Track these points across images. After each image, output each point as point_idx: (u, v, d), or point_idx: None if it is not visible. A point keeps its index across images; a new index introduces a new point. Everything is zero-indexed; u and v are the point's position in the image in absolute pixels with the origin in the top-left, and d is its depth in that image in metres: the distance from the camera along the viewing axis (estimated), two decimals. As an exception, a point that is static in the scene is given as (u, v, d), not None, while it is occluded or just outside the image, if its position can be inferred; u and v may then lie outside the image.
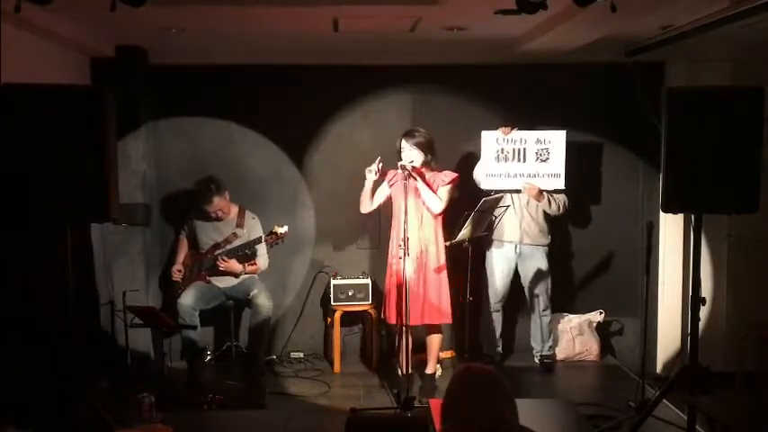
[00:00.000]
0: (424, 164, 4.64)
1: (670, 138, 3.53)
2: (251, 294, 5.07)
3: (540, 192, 5.04)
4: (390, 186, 4.79)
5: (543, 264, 5.21)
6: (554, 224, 5.32)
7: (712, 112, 3.48)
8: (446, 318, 4.74)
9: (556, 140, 5.06)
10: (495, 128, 5.13)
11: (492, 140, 5.09)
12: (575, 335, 5.52)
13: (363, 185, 4.73)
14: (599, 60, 5.36)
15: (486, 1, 3.70)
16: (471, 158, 5.39)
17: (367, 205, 4.79)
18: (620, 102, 5.47)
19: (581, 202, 5.58)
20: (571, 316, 5.59)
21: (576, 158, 5.26)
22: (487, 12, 3.83)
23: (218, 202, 5.08)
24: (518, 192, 5.11)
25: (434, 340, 4.85)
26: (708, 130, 3.48)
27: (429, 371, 4.89)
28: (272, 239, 4.99)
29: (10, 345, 3.79)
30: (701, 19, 4.12)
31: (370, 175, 4.63)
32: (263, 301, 5.04)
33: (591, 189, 5.65)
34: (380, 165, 4.62)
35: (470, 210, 4.55)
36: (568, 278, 5.71)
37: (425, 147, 4.64)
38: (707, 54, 5.12)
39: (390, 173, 4.78)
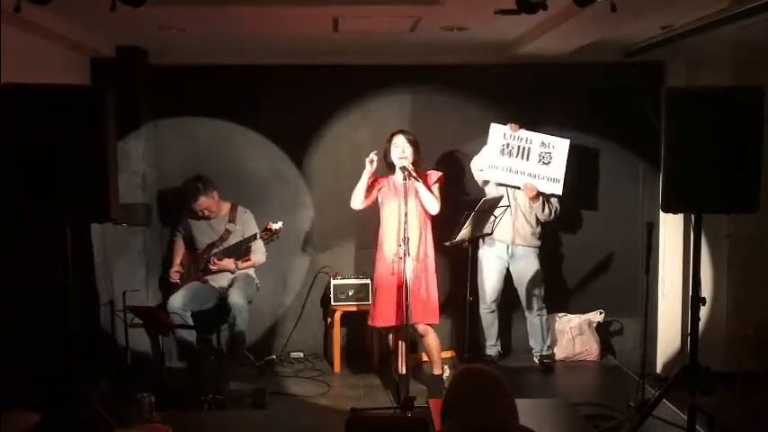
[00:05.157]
0: (414, 162, 4.62)
1: (670, 138, 3.53)
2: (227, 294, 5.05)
3: (538, 194, 5.05)
4: (379, 192, 4.76)
5: (535, 265, 5.21)
6: (551, 226, 5.31)
7: (712, 112, 3.49)
8: (435, 318, 4.72)
9: (559, 147, 5.07)
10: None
11: (500, 133, 5.10)
12: (574, 335, 5.51)
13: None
14: (599, 60, 5.36)
15: (486, 1, 3.70)
16: (470, 158, 5.40)
17: (359, 201, 4.72)
18: (620, 102, 5.47)
19: (580, 202, 5.59)
20: (571, 316, 5.59)
21: (576, 158, 5.25)
22: (487, 12, 3.83)
23: (204, 202, 5.10)
24: (517, 188, 5.11)
25: (428, 342, 4.80)
26: (708, 130, 3.49)
27: (436, 372, 4.85)
28: (267, 236, 5.00)
29: (10, 345, 3.79)
30: (701, 19, 4.12)
31: (370, 166, 4.60)
32: (234, 299, 4.98)
33: (591, 189, 5.65)
34: (377, 156, 4.61)
35: (470, 210, 4.55)
36: (568, 278, 5.71)
37: (416, 144, 4.66)
38: (707, 54, 5.12)
39: (380, 181, 4.76)
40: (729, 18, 3.89)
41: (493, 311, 5.31)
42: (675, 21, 4.31)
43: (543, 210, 5.11)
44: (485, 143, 5.15)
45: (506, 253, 5.21)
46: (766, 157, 3.58)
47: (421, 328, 4.68)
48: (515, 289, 5.31)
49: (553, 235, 5.48)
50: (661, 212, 3.85)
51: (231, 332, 5.04)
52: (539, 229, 5.22)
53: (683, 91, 3.83)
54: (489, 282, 5.24)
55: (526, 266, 5.20)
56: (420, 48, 5.10)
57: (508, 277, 5.29)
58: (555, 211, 5.15)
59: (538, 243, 5.23)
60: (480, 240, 5.19)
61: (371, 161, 4.59)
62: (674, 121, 3.52)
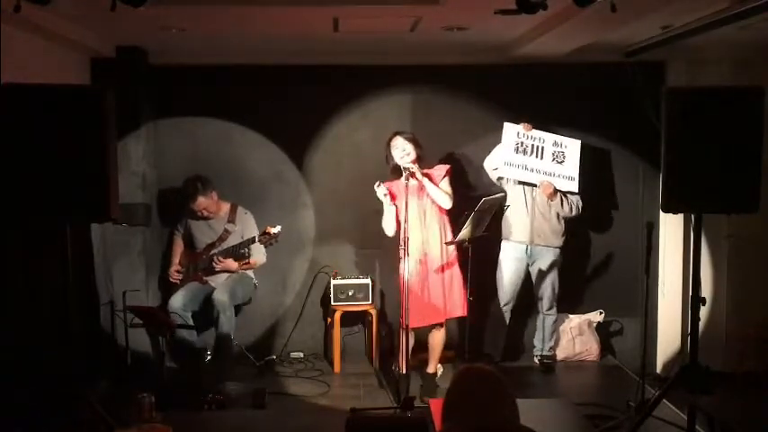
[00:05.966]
0: (418, 157, 4.62)
1: (670, 138, 3.53)
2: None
3: (555, 191, 5.05)
4: (392, 197, 4.75)
5: (551, 264, 5.19)
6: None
7: (712, 112, 3.49)
8: (455, 313, 4.71)
9: (571, 146, 5.11)
10: (496, 128, 5.13)
11: (513, 132, 5.11)
12: (575, 335, 5.52)
13: (366, 190, 4.69)
14: (599, 60, 5.36)
15: (486, 1, 3.70)
16: (471, 158, 5.40)
17: (391, 228, 4.73)
18: (620, 102, 5.47)
19: (582, 202, 5.58)
20: (571, 316, 5.58)
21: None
22: (487, 12, 3.83)
23: (203, 202, 5.09)
24: (533, 186, 5.11)
25: (437, 339, 4.82)
26: (708, 130, 3.49)
27: (430, 370, 4.88)
28: (266, 240, 4.99)
29: (10, 345, 3.79)
30: (701, 19, 4.12)
31: (386, 198, 4.61)
32: (218, 295, 4.97)
33: (590, 189, 5.64)
34: (382, 185, 4.61)
35: (470, 209, 4.55)
36: (568, 278, 5.69)
37: (416, 141, 4.66)
38: (707, 54, 5.12)
39: (395, 195, 4.72)
40: (729, 18, 3.89)
41: (504, 313, 5.30)
42: (675, 21, 4.31)
43: (563, 206, 5.10)
44: (485, 143, 5.16)
45: (525, 253, 5.20)
46: (766, 157, 3.58)
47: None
48: (531, 289, 5.30)
49: (568, 237, 5.44)
50: (661, 212, 3.85)
51: (216, 334, 5.04)
52: (561, 228, 5.19)
53: (683, 91, 3.82)
54: (503, 282, 5.24)
55: (544, 266, 5.19)
56: (420, 48, 5.10)
57: (527, 279, 5.27)
58: (577, 207, 5.15)
59: (559, 243, 5.19)
60: (503, 241, 5.22)
61: (385, 195, 4.59)
62: (674, 121, 3.52)
